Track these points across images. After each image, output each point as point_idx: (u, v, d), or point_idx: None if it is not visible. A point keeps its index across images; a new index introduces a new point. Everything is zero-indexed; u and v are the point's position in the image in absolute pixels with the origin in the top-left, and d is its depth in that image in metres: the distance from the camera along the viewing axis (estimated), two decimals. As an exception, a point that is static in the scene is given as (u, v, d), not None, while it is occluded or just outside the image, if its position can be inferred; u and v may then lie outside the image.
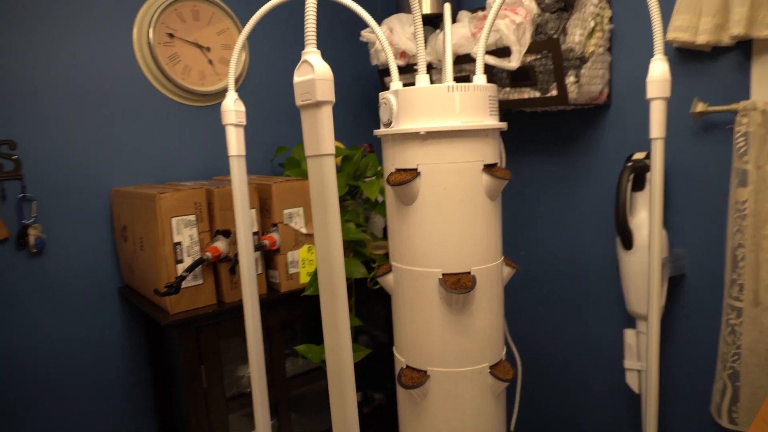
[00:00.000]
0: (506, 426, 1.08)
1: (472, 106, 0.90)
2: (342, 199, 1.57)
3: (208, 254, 1.25)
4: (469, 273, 0.93)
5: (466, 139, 0.90)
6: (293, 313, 1.43)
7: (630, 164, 1.31)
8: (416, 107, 0.90)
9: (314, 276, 1.40)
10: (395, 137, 0.94)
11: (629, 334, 1.39)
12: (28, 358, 1.37)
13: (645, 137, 1.37)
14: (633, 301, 1.35)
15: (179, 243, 1.23)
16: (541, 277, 1.63)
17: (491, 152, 0.94)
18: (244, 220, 1.13)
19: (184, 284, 1.23)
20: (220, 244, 1.28)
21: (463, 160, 0.90)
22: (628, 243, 1.33)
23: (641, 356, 1.37)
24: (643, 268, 1.31)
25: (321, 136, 0.63)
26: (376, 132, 0.97)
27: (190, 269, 1.21)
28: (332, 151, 0.64)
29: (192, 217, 1.25)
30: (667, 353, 1.39)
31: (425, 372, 0.96)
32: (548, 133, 1.58)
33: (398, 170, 0.93)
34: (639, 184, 1.34)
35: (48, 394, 1.40)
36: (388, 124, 0.94)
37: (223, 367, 1.32)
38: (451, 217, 0.91)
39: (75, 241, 1.42)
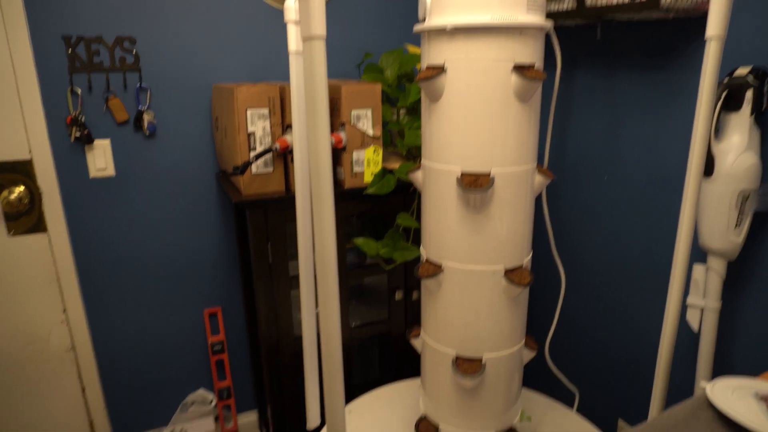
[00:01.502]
0: (524, 332, 1.10)
1: (506, 1, 0.87)
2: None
3: (277, 145, 1.37)
4: (488, 174, 0.93)
5: (495, 36, 0.87)
6: (355, 209, 1.53)
7: (726, 80, 1.16)
8: (447, 1, 0.89)
9: (378, 176, 1.48)
10: (428, 34, 0.94)
11: (697, 270, 1.29)
12: (138, 226, 1.65)
13: (754, 51, 1.19)
14: (705, 234, 1.24)
15: (253, 133, 1.37)
16: (620, 197, 1.54)
17: (526, 52, 0.90)
18: (301, 115, 1.22)
19: (255, 171, 1.38)
20: (290, 138, 1.40)
21: (491, 58, 0.88)
22: (708, 168, 1.20)
23: (707, 293, 1.28)
24: (722, 198, 1.18)
25: (312, 16, 0.67)
26: (415, 29, 0.98)
27: (258, 156, 1.35)
28: (322, 34, 0.68)
29: (265, 111, 1.38)
30: (741, 295, 1.27)
31: (440, 266, 1.01)
32: (644, 47, 1.42)
33: (428, 67, 0.94)
34: (735, 104, 1.19)
35: (148, 262, 1.68)
36: (423, 21, 0.94)
37: (287, 249, 1.48)
38: (473, 115, 0.91)
39: (181, 128, 1.64)
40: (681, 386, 1.39)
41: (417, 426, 1.15)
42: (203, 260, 1.75)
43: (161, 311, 1.73)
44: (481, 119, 0.91)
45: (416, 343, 1.16)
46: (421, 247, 1.09)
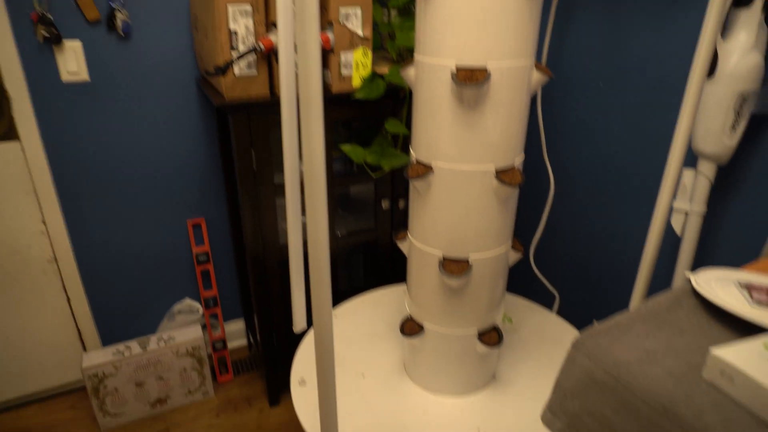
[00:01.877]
0: (511, 234, 1.11)
1: None
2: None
3: (261, 45, 1.30)
4: (484, 69, 0.90)
5: None
6: (342, 115, 1.48)
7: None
8: None
9: (367, 80, 1.42)
10: None
11: (686, 174, 1.30)
12: (116, 134, 1.58)
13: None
14: (699, 136, 1.23)
15: (234, 32, 1.29)
16: (614, 104, 1.51)
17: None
18: (287, 12, 1.14)
19: (239, 73, 1.32)
20: (274, 37, 1.32)
21: (492, -63, 0.82)
22: (711, 68, 1.17)
23: (694, 197, 1.29)
24: (721, 99, 1.17)
25: None
26: None
27: (241, 56, 1.28)
28: None
29: (248, 6, 1.29)
30: (727, 200, 1.29)
31: (430, 166, 1.00)
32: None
33: (424, -51, 0.88)
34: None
35: (127, 172, 1.63)
36: None
37: (272, 155, 1.44)
38: (470, 4, 0.86)
39: (157, 29, 1.54)
40: (660, 289, 1.44)
41: (402, 326, 1.18)
42: (185, 169, 1.71)
43: (143, 222, 1.71)
44: (478, 8, 0.86)
45: (403, 245, 1.17)
46: (411, 149, 1.07)
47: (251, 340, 2.00)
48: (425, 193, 1.03)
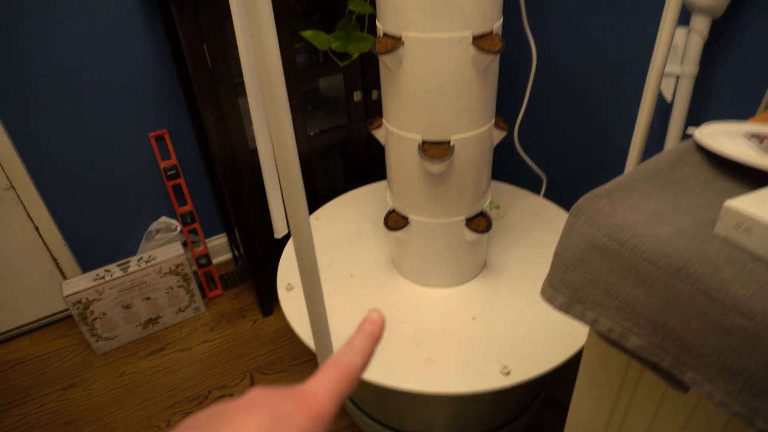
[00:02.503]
0: (494, 111, 1.02)
1: None
2: None
3: None
4: None
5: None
6: (300, -2, 1.33)
7: None
8: None
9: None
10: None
11: (678, 34, 1.19)
12: (54, 37, 1.41)
13: None
14: (691, -12, 1.12)
15: None
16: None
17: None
18: None
19: (171, -49, 1.14)
20: None
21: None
22: None
23: (686, 58, 1.20)
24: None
25: None
26: None
27: (170, -70, 1.10)
28: None
29: None
30: (720, 60, 1.20)
31: (399, 38, 0.88)
32: None
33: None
34: None
35: (75, 82, 1.48)
36: None
37: (228, 50, 1.30)
38: None
39: None
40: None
41: (386, 219, 1.12)
42: (137, 78, 1.56)
43: (102, 139, 1.59)
44: None
45: (378, 134, 1.08)
46: (378, 23, 0.95)
47: (236, 253, 1.96)
48: (397, 71, 0.92)
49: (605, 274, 0.54)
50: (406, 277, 1.20)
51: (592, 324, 0.56)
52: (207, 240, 1.92)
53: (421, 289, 1.18)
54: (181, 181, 1.71)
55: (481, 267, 1.21)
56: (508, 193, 1.48)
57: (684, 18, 1.20)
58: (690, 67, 1.19)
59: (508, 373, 0.98)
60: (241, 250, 1.68)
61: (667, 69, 1.23)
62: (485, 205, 1.12)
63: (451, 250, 1.13)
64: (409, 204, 1.08)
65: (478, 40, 0.87)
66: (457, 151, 0.97)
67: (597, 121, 1.48)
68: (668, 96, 1.26)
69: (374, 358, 1.02)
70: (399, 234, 1.11)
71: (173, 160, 1.69)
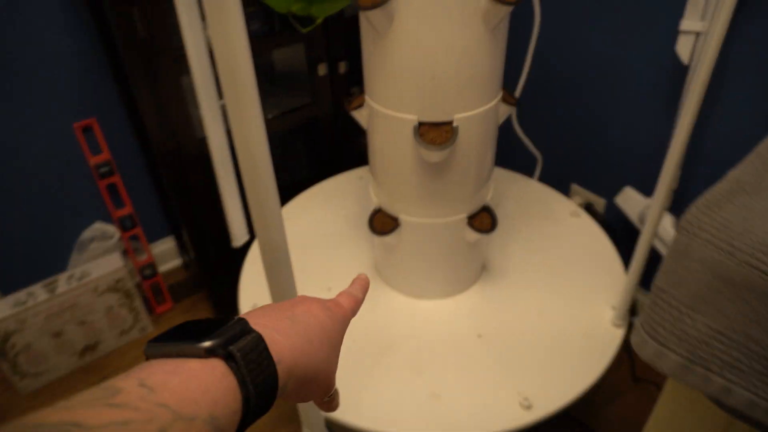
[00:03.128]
0: (501, 81, 0.82)
1: None
2: None
3: None
4: None
5: None
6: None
7: None
8: None
9: None
10: None
11: (699, -16, 1.02)
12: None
13: None
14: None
15: None
16: None
17: None
18: None
19: None
20: None
21: None
22: None
23: (707, 12, 1.02)
24: None
25: None
26: None
27: None
28: None
29: None
30: (751, 11, 1.03)
31: (388, -15, 0.66)
32: None
33: None
34: None
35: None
36: None
37: (165, 16, 1.05)
38: None
39: None
40: (660, 130, 1.22)
41: (371, 221, 0.91)
42: (52, 55, 1.27)
43: (16, 132, 1.30)
44: None
45: (359, 115, 0.86)
46: (354, -32, 0.72)
47: (187, 258, 1.71)
48: (385, 32, 0.70)
49: (745, 321, 0.35)
50: (396, 288, 1.00)
51: (722, 396, 0.38)
52: (151, 245, 1.66)
53: (414, 303, 0.98)
54: (116, 179, 1.45)
55: (480, 271, 1.02)
56: (499, 177, 1.29)
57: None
58: (718, 24, 1.02)
59: (529, 407, 0.80)
60: (192, 255, 1.43)
61: (687, 26, 1.06)
62: (488, 197, 0.92)
63: (450, 255, 0.93)
64: (399, 202, 0.87)
65: (490, -13, 0.66)
66: (461, 134, 0.77)
67: (597, 92, 1.30)
68: (685, 57, 1.09)
69: (370, 396, 0.83)
70: (388, 238, 0.90)
71: (106, 155, 1.42)
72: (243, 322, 0.28)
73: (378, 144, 0.84)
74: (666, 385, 0.49)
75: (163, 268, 1.71)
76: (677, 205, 1.24)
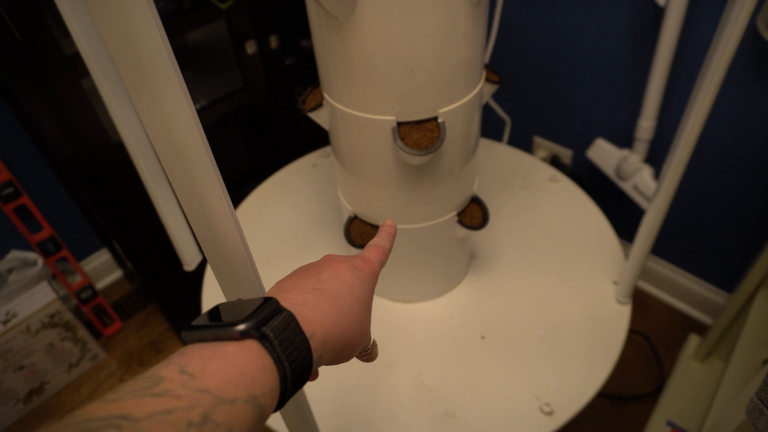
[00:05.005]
0: (484, 60, 0.70)
1: None
2: None
3: None
4: None
5: None
6: None
7: None
8: None
9: None
10: None
11: None
12: None
13: None
14: None
15: None
16: None
17: None
18: None
19: None
20: None
21: None
22: None
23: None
24: None
25: None
26: None
27: None
28: None
29: None
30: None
31: (346, -38, 0.51)
32: None
33: None
34: None
35: None
36: None
37: (43, 9, 0.84)
38: None
39: None
40: (631, 76, 1.14)
41: (348, 232, 0.79)
42: None
43: None
44: None
45: (318, 117, 0.72)
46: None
47: (127, 268, 1.53)
48: (347, 19, 0.56)
49: None
50: (381, 295, 0.90)
51: None
52: (83, 263, 1.47)
53: (405, 309, 0.88)
54: (25, 200, 1.23)
55: (470, 260, 0.94)
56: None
57: None
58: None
59: (551, 413, 0.74)
60: (134, 269, 1.27)
61: (657, -38, 0.96)
62: (475, 186, 0.82)
63: (439, 254, 0.83)
64: (378, 209, 0.75)
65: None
66: (449, 129, 0.65)
67: (564, 39, 1.20)
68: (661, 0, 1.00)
69: (379, 424, 0.75)
70: (369, 250, 0.79)
71: (5, 174, 1.20)
72: (274, 302, 0.29)
73: (347, 149, 0.71)
74: None
75: (102, 284, 1.53)
76: (654, 156, 1.19)
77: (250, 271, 0.39)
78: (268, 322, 0.27)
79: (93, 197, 1.07)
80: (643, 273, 1.40)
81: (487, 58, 0.99)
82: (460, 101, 0.64)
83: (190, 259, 0.96)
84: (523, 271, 0.91)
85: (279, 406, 0.28)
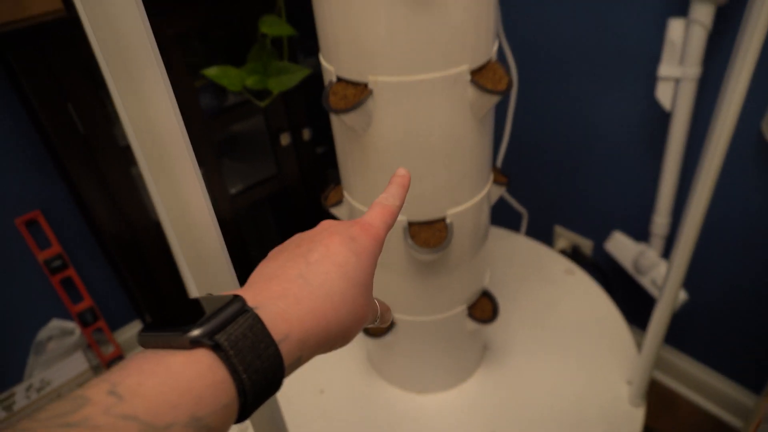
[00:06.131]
0: (491, 163, 0.75)
1: None
2: None
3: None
4: None
5: None
6: (193, 21, 0.99)
7: None
8: None
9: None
10: None
11: (675, 26, 0.98)
12: None
13: None
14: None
15: None
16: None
17: None
18: None
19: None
20: None
21: None
22: None
23: (686, 59, 0.99)
24: None
25: None
26: None
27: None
28: None
29: None
30: (726, 54, 1.00)
31: (364, 85, 0.59)
32: None
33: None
34: None
35: None
36: None
37: (105, 106, 0.95)
38: None
39: None
40: (641, 181, 1.17)
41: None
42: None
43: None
44: None
45: (339, 212, 0.78)
46: (321, 59, 0.64)
47: (158, 340, 1.58)
48: (364, 131, 0.63)
49: None
50: (393, 384, 0.91)
51: None
52: (117, 333, 1.53)
53: (416, 399, 0.89)
54: (71, 272, 1.32)
55: (482, 352, 0.95)
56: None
57: (682, 8, 0.99)
58: (692, 68, 0.99)
59: None
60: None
61: (664, 72, 1.02)
62: (486, 280, 0.85)
63: (451, 346, 0.85)
64: (392, 302, 0.79)
65: (477, 76, 0.59)
66: (456, 228, 0.69)
67: (579, 139, 1.25)
68: (666, 103, 1.05)
69: None
70: (382, 339, 0.82)
71: (56, 248, 1.29)
72: (238, 302, 0.25)
73: (363, 241, 0.76)
74: None
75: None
76: (669, 251, 1.19)
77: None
78: (225, 328, 0.24)
79: (131, 270, 1.14)
80: (671, 370, 1.36)
81: (500, 157, 1.05)
82: (467, 203, 0.69)
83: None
84: (535, 366, 0.92)
85: (241, 419, 0.24)
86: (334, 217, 0.79)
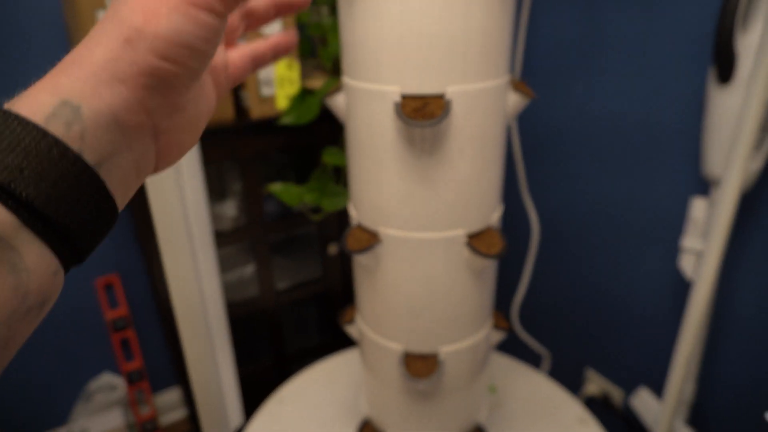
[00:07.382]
0: (492, 310, 0.83)
1: None
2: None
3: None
4: (442, 97, 0.61)
5: None
6: (268, 145, 1.18)
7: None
8: None
9: (297, 99, 1.12)
10: None
11: (698, 205, 1.04)
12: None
13: None
14: (713, 159, 0.98)
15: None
16: (590, 125, 1.25)
17: None
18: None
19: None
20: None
21: None
22: (725, 71, 0.91)
23: (709, 234, 1.03)
24: (741, 113, 0.91)
25: None
26: None
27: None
28: None
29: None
30: (746, 235, 1.04)
31: (376, 234, 0.70)
32: None
33: None
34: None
35: None
36: None
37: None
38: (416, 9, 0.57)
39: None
40: (662, 347, 1.18)
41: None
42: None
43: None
44: (428, 11, 0.57)
45: (352, 330, 0.88)
46: (350, 206, 0.78)
47: (193, 410, 1.69)
48: (374, 270, 0.74)
49: None
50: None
51: None
52: (156, 395, 1.65)
53: None
54: (130, 333, 1.48)
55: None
56: (504, 367, 1.26)
57: (705, 185, 1.05)
58: (715, 245, 1.03)
59: None
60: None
61: (688, 244, 1.07)
62: (482, 417, 0.89)
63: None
64: (387, 417, 0.85)
65: (474, 240, 0.69)
66: (448, 366, 0.77)
67: (602, 293, 1.29)
68: (688, 273, 1.09)
69: None
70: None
71: (123, 310, 1.47)
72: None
73: (368, 361, 0.85)
74: None
75: (167, 419, 1.69)
76: (696, 418, 1.17)
77: None
78: None
79: (175, 339, 1.27)
80: None
81: (518, 301, 1.12)
82: (460, 343, 0.76)
83: (233, 417, 1.09)
84: None
85: (73, 257, 0.22)
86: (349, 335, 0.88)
